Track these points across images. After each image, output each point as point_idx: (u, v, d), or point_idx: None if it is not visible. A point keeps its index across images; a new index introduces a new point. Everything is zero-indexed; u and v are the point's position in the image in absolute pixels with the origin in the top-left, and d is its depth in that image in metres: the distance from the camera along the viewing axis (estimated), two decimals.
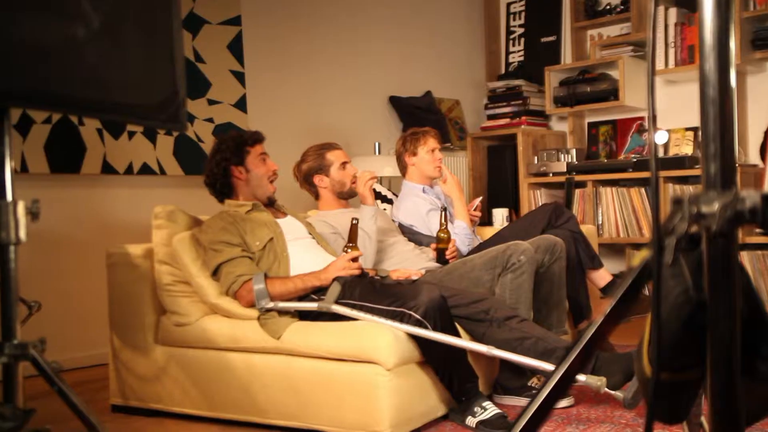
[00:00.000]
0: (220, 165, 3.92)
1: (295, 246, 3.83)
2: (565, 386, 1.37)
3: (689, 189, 6.35)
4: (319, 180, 4.44)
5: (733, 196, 1.13)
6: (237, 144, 3.95)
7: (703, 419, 1.63)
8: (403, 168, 4.98)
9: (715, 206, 1.13)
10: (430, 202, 4.80)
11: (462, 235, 4.62)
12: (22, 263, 1.98)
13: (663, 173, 6.30)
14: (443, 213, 4.43)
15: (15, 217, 1.91)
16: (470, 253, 4.44)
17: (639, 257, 1.32)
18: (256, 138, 4.00)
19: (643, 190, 6.62)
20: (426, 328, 3.28)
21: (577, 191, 6.92)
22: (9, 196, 1.93)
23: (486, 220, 6.21)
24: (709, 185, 1.16)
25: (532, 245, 3.99)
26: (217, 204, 4.03)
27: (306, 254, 3.83)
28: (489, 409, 3.37)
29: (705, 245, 1.18)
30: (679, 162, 6.34)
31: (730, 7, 1.18)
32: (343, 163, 4.45)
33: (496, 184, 7.58)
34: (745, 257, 6.04)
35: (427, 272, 4.14)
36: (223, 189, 3.96)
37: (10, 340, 1.94)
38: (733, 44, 1.19)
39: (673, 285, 1.24)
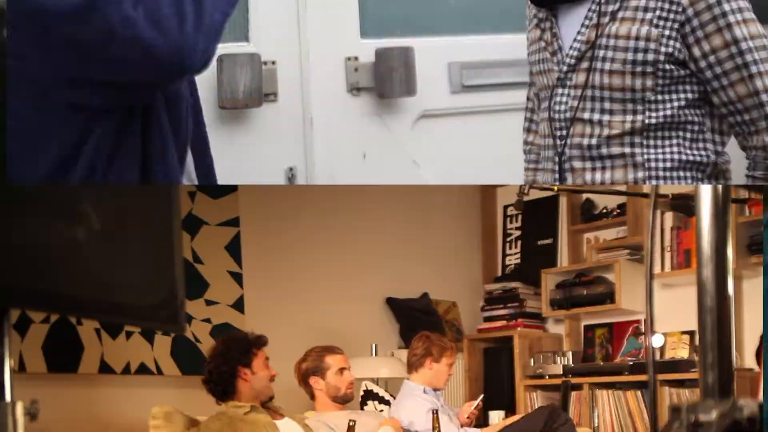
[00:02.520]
0: (229, 364, 3.89)
1: None
2: None
3: (685, 393, 6.30)
4: (314, 381, 4.43)
5: (731, 405, 1.14)
6: (245, 346, 3.95)
7: None
8: (414, 366, 4.90)
9: (713, 415, 1.14)
10: (430, 402, 4.76)
11: None
12: None
13: (659, 377, 6.25)
14: (435, 415, 4.34)
15: (14, 419, 1.90)
16: None
17: None
18: (262, 342, 4.01)
19: (639, 393, 6.56)
20: None
21: (573, 393, 6.85)
22: (8, 397, 1.92)
23: (482, 422, 6.14)
24: (707, 394, 1.17)
25: None
26: (214, 404, 3.98)
27: None
28: None
29: None
30: (675, 366, 6.30)
31: (728, 217, 1.21)
32: (341, 369, 4.44)
33: (492, 386, 7.49)
34: None
35: None
36: (226, 388, 3.92)
37: None
38: (730, 252, 1.21)
39: None
